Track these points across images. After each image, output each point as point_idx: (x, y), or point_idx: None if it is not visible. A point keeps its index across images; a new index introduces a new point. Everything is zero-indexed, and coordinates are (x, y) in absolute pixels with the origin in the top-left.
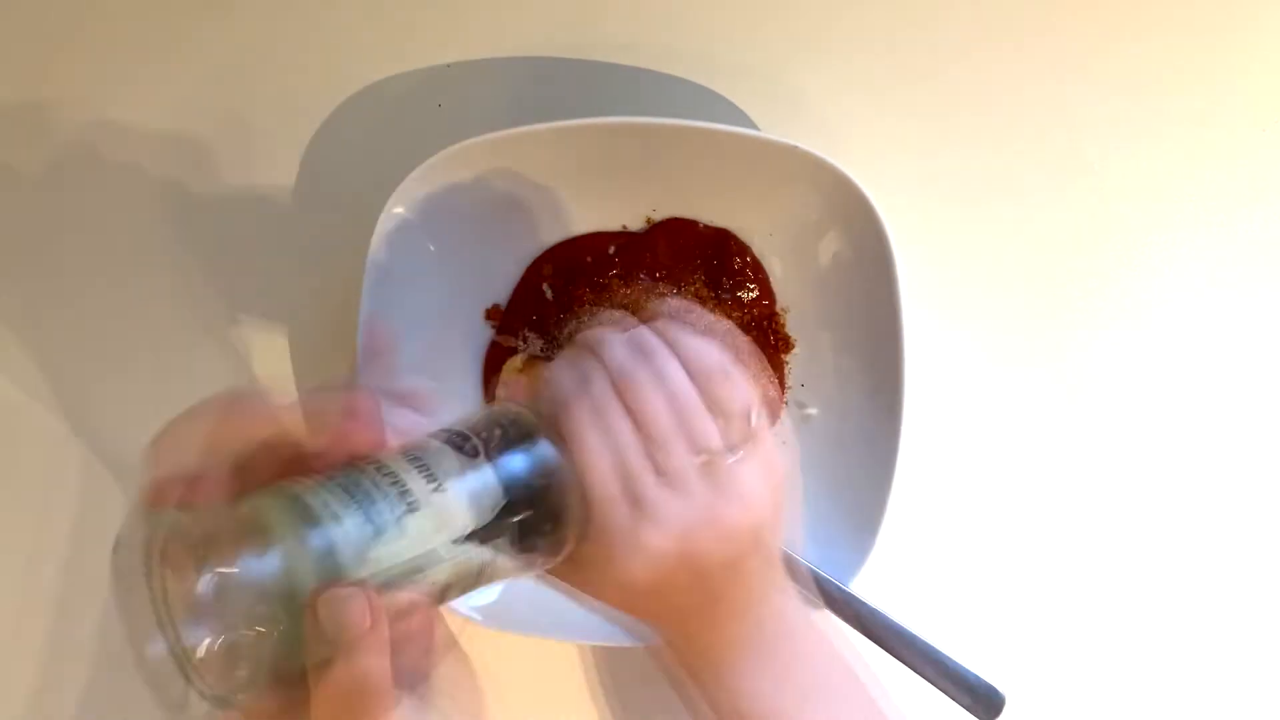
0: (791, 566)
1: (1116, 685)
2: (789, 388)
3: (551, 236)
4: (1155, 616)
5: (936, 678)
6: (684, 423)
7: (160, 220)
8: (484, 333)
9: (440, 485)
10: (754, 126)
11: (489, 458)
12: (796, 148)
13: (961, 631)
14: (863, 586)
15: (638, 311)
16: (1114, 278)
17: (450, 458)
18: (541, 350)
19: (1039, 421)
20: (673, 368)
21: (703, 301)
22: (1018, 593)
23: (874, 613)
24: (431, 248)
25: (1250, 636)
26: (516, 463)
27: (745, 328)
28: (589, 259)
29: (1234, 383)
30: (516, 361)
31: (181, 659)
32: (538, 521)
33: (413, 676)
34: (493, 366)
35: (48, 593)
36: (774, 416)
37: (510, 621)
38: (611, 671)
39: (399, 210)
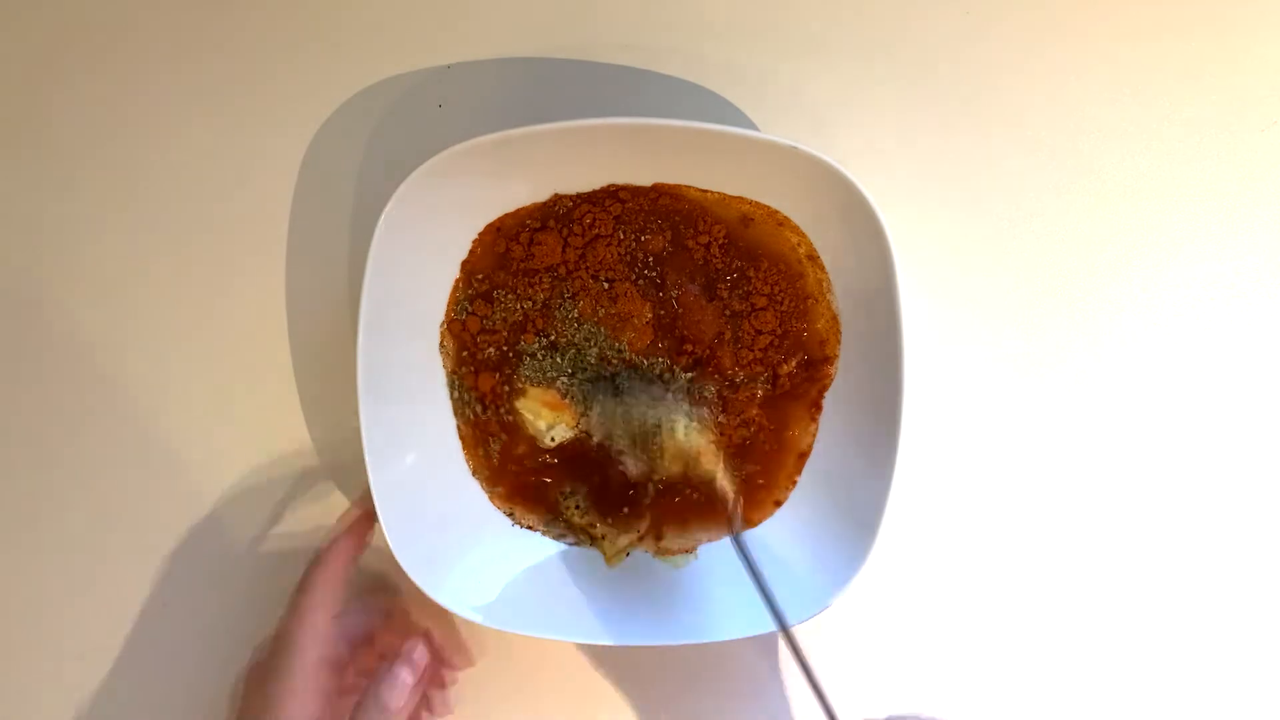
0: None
1: (1119, 685)
2: None
3: None
4: (1157, 615)
5: None
6: None
7: (159, 221)
8: None
9: None
10: (754, 126)
11: None
12: (796, 148)
13: (962, 630)
14: (863, 586)
15: (634, 317)
16: (1113, 278)
17: None
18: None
19: (1038, 421)
20: None
21: (704, 308)
22: (1018, 591)
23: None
24: (432, 248)
25: (1251, 637)
26: None
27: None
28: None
29: (1234, 385)
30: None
31: None
32: None
33: None
34: None
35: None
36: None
37: (510, 621)
38: (611, 671)
39: (399, 210)
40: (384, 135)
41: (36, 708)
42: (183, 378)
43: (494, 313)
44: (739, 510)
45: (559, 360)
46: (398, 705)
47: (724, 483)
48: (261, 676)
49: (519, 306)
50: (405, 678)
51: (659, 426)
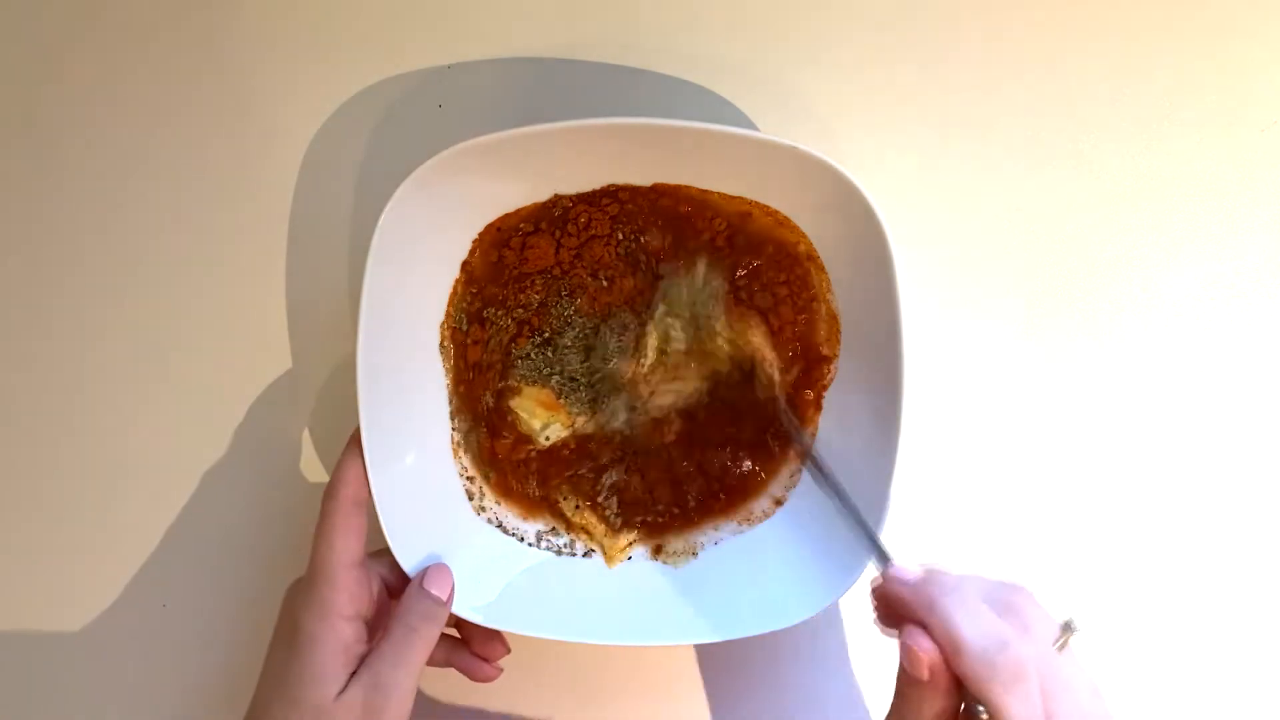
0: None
1: (1123, 677)
2: None
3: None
4: (1158, 615)
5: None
6: None
7: (160, 220)
8: None
9: None
10: (754, 126)
11: None
12: (796, 148)
13: None
14: (865, 586)
15: (639, 313)
16: (1113, 279)
17: None
18: (535, 350)
19: (1038, 420)
20: None
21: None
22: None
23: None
24: (432, 247)
25: (1250, 624)
26: None
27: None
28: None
29: (1234, 384)
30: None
31: None
32: None
33: None
34: None
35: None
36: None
37: (510, 621)
38: (611, 671)
39: (399, 210)
40: (384, 135)
41: (36, 708)
42: (183, 377)
43: (488, 337)
44: (784, 395)
45: (551, 356)
46: (444, 593)
47: (772, 360)
48: (303, 583)
49: (510, 320)
50: (447, 570)
51: (716, 298)
